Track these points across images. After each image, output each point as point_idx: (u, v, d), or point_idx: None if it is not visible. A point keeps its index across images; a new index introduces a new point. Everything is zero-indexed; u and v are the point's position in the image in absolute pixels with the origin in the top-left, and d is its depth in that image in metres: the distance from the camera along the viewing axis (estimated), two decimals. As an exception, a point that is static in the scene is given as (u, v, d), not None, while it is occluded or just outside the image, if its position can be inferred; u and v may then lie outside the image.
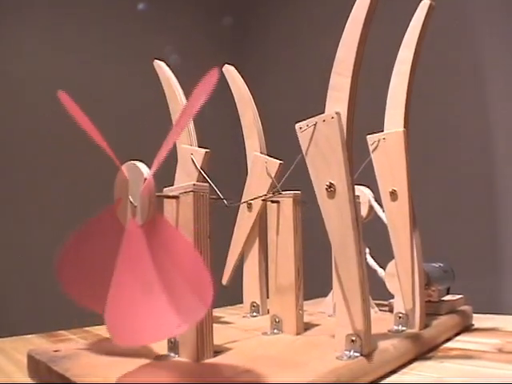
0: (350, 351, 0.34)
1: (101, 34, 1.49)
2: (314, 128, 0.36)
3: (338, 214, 0.34)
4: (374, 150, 0.45)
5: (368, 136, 0.45)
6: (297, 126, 0.37)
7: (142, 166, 0.32)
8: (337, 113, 0.34)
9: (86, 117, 0.33)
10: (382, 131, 0.45)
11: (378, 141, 0.44)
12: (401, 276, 0.43)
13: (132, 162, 0.33)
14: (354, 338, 0.34)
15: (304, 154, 0.36)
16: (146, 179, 0.32)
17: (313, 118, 0.36)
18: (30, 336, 0.54)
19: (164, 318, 0.30)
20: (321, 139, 0.35)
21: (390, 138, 0.44)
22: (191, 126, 0.49)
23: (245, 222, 0.54)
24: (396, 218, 0.43)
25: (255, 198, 0.48)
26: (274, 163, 0.51)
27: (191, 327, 0.34)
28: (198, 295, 0.29)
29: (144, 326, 0.31)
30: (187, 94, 0.49)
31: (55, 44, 1.41)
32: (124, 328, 0.32)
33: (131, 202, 0.32)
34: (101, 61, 1.46)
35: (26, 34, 1.36)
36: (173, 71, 0.51)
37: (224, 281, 0.55)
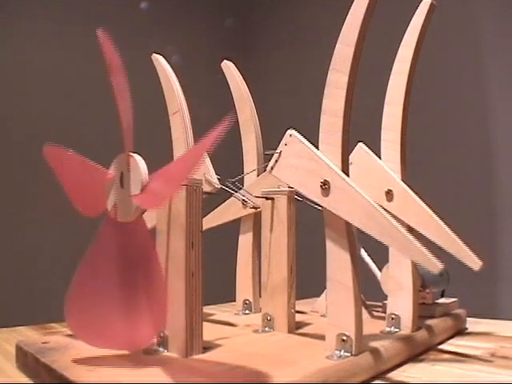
0: (340, 351, 0.34)
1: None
2: (280, 156, 0.37)
3: (345, 201, 0.34)
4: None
5: None
6: (269, 172, 0.38)
7: (143, 171, 0.32)
8: (290, 130, 0.37)
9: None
10: (380, 131, 0.45)
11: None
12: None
13: (137, 156, 0.33)
14: (344, 338, 0.34)
15: (287, 181, 0.37)
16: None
17: (275, 154, 0.37)
18: (21, 328, 0.54)
19: (118, 327, 0.31)
20: (294, 159, 0.36)
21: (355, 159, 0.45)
22: (188, 122, 0.49)
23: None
24: (402, 216, 0.43)
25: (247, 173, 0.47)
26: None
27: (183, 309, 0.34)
28: (151, 317, 0.30)
29: (108, 331, 0.32)
30: (185, 89, 0.49)
31: (55, 43, 1.41)
32: (87, 327, 0.33)
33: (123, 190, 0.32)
34: (100, 59, 1.46)
35: (26, 32, 1.36)
36: (172, 68, 0.50)
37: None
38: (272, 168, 0.38)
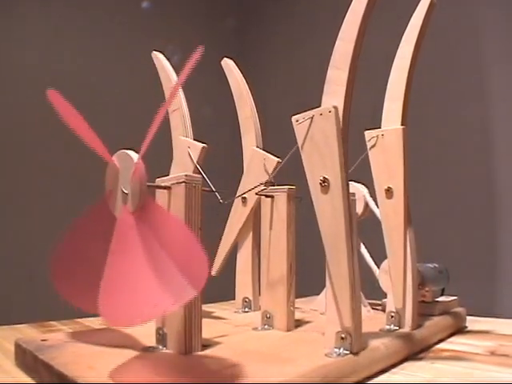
0: (339, 349, 0.34)
1: (101, 31, 1.49)
2: (311, 121, 0.35)
3: (331, 210, 0.34)
4: (371, 146, 0.44)
5: (366, 131, 0.45)
6: (293, 118, 0.36)
7: (131, 152, 0.32)
8: (334, 107, 0.34)
9: (75, 115, 0.33)
10: (380, 127, 0.44)
11: (377, 137, 0.44)
12: (393, 275, 0.43)
13: (122, 150, 0.32)
14: (343, 336, 0.34)
15: (300, 147, 0.36)
16: (136, 164, 0.31)
17: (310, 112, 0.35)
18: (20, 326, 0.54)
19: (156, 297, 0.30)
20: (317, 133, 0.35)
21: (388, 134, 0.44)
22: (187, 119, 0.49)
23: (238, 215, 0.53)
24: (390, 215, 0.43)
25: (249, 190, 0.48)
26: (272, 160, 0.51)
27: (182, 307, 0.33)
28: (192, 273, 0.28)
29: (136, 307, 0.31)
30: (185, 87, 0.49)
31: (55, 41, 1.41)
32: (117, 310, 0.32)
33: (122, 190, 0.32)
34: (101, 59, 1.46)
35: (27, 31, 1.36)
36: (172, 66, 0.50)
37: (213, 271, 0.55)
38: (298, 121, 0.36)
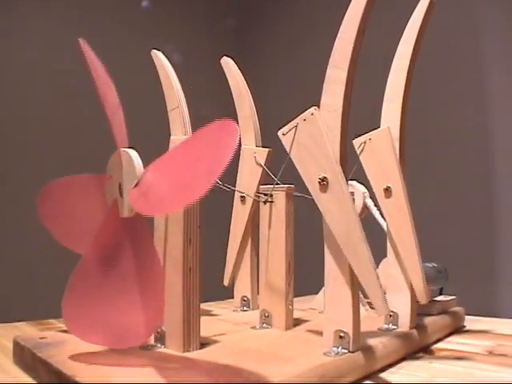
0: (337, 347, 0.34)
1: (101, 31, 1.49)
2: (296, 129, 0.36)
3: (337, 206, 0.34)
4: (361, 152, 0.44)
5: (354, 140, 0.45)
6: (279, 132, 0.37)
7: (138, 166, 0.32)
8: (315, 109, 0.35)
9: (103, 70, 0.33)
10: (379, 126, 0.44)
11: (364, 142, 0.44)
12: (409, 272, 0.43)
13: (133, 152, 0.32)
14: (342, 335, 0.34)
15: (291, 156, 0.36)
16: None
17: (293, 121, 0.36)
18: (19, 323, 0.54)
19: (115, 323, 0.31)
20: (305, 138, 0.35)
21: (375, 137, 0.44)
22: (187, 118, 0.49)
23: (239, 216, 0.53)
24: (394, 215, 0.43)
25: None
26: (263, 152, 0.51)
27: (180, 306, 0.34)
28: (146, 315, 0.30)
29: (98, 324, 0.33)
30: (185, 86, 0.49)
31: (55, 41, 1.41)
32: (80, 320, 0.33)
33: (120, 187, 0.32)
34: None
35: (26, 31, 1.36)
36: (172, 64, 0.50)
37: (225, 281, 0.54)
38: (284, 134, 0.36)
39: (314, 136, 0.35)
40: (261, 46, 1.79)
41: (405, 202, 0.42)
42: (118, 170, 0.33)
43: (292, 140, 0.36)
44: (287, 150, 0.36)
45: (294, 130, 0.36)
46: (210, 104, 1.49)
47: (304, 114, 0.35)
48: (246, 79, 0.55)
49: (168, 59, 0.51)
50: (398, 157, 0.43)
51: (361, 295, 0.49)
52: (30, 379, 0.34)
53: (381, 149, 0.43)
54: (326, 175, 0.34)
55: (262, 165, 0.50)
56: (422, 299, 0.42)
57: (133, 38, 1.54)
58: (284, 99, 1.57)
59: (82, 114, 1.31)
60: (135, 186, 0.31)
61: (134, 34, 1.55)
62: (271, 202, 0.44)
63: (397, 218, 0.43)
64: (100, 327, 0.33)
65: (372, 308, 0.52)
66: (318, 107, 0.35)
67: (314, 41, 1.32)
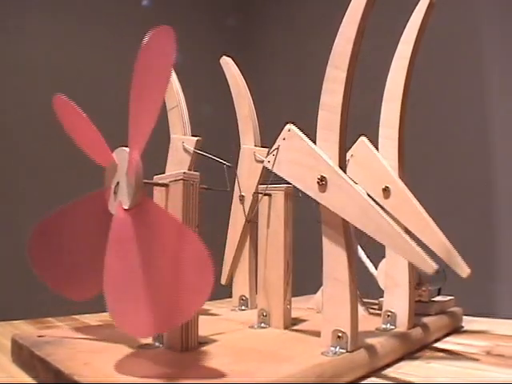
0: (335, 347, 0.34)
1: (101, 30, 1.49)
2: (278, 151, 0.37)
3: (345, 201, 0.33)
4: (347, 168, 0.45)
5: None
6: (265, 164, 0.38)
7: (127, 148, 0.32)
8: (289, 124, 0.37)
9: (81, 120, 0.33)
10: (378, 125, 0.45)
11: (348, 160, 0.45)
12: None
13: (120, 147, 0.32)
14: (340, 334, 0.34)
15: (284, 176, 0.37)
16: (130, 157, 0.31)
17: (273, 146, 0.37)
18: (17, 322, 0.54)
19: (158, 311, 0.30)
20: (291, 154, 0.36)
21: (356, 152, 0.46)
22: (186, 117, 0.49)
23: (238, 215, 0.53)
24: (401, 208, 0.43)
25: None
26: (262, 151, 0.52)
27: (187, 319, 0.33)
28: (196, 279, 0.28)
29: (139, 316, 0.31)
30: (184, 85, 0.49)
31: (55, 40, 1.41)
32: (124, 314, 0.32)
33: (118, 184, 0.32)
34: (101, 58, 1.46)
35: (27, 30, 1.35)
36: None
37: (223, 280, 0.54)
38: (269, 162, 0.37)
39: (298, 148, 0.36)
40: (261, 46, 1.79)
41: (407, 193, 0.42)
42: (114, 174, 0.33)
43: (279, 162, 0.37)
44: (281, 175, 0.37)
45: (276, 152, 0.37)
46: (210, 103, 1.49)
47: (281, 134, 0.37)
48: (245, 79, 0.55)
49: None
50: (397, 157, 0.43)
51: (358, 295, 0.50)
52: (28, 378, 0.34)
53: (366, 160, 0.44)
54: (323, 174, 0.34)
55: (262, 164, 0.50)
56: (463, 272, 0.40)
57: (133, 37, 1.54)
58: (284, 99, 1.57)
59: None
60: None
61: (133, 33, 1.54)
62: (269, 195, 0.44)
63: (404, 210, 0.42)
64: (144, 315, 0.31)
65: (370, 308, 0.52)
66: (318, 106, 0.35)
67: (313, 40, 1.32)
